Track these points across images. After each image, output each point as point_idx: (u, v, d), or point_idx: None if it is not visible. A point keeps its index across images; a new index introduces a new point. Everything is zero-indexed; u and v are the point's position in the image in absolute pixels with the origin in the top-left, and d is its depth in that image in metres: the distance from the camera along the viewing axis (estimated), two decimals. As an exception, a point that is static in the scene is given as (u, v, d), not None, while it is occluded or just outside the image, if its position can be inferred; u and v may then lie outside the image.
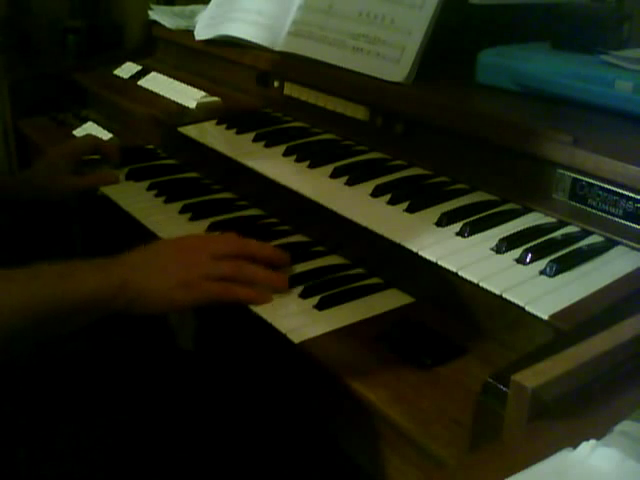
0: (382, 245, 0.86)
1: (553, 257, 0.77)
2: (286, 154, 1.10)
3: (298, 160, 1.07)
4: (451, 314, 0.84)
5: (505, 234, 0.82)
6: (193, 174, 1.29)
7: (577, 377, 0.54)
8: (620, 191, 0.81)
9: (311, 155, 1.07)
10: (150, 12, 1.77)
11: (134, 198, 1.18)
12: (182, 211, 1.11)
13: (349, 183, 0.98)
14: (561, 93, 1.01)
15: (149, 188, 1.21)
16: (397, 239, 0.84)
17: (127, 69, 1.69)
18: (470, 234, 0.83)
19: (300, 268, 0.94)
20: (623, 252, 0.80)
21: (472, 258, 0.79)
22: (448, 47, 1.17)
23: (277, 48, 1.33)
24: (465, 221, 0.86)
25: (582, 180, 0.84)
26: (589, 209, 0.84)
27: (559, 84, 1.01)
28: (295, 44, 1.28)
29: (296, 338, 0.79)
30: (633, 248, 0.79)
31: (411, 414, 0.68)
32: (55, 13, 2.52)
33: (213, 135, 1.24)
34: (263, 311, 0.84)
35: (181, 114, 1.36)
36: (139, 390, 1.07)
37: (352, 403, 0.73)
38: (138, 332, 1.18)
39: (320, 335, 0.80)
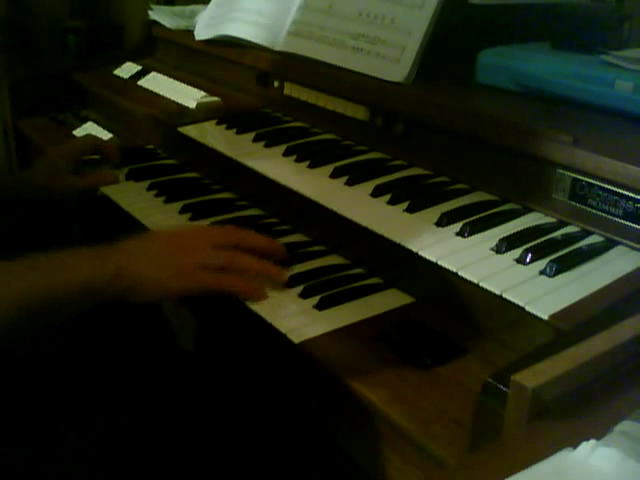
0: (382, 245, 0.86)
1: (553, 257, 0.77)
2: (286, 154, 1.10)
3: (298, 160, 1.07)
4: (451, 314, 0.84)
5: (505, 234, 0.82)
6: (193, 174, 1.29)
7: (577, 377, 0.54)
8: (620, 191, 0.81)
9: (311, 155, 1.07)
10: (150, 12, 1.77)
11: (134, 198, 1.18)
12: (182, 211, 1.11)
13: (349, 183, 0.98)
14: (561, 93, 1.01)
15: (149, 188, 1.21)
16: (397, 239, 0.84)
17: (127, 69, 1.69)
18: (470, 234, 0.83)
19: (300, 268, 0.94)
20: (623, 252, 0.80)
21: (472, 258, 0.79)
22: (448, 47, 1.17)
23: (277, 48, 1.33)
24: (465, 221, 0.86)
25: (582, 180, 0.85)
26: (589, 209, 0.84)
27: (559, 84, 1.01)
28: (295, 44, 1.28)
29: (296, 338, 0.79)
30: (633, 248, 0.79)
31: (411, 414, 0.68)
32: (55, 13, 2.52)
33: (213, 135, 1.24)
34: (263, 311, 0.84)
35: (181, 114, 1.36)
36: (139, 390, 1.07)
37: (352, 403, 0.73)
38: (138, 332, 1.18)
39: (320, 335, 0.80)
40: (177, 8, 1.84)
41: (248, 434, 1.05)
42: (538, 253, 0.78)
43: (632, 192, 0.80)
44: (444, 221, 0.86)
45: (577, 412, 0.53)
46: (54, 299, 0.80)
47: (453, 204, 0.91)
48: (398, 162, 1.05)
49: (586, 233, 0.83)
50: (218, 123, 1.27)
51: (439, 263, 0.79)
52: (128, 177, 1.26)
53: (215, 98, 1.39)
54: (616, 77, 0.95)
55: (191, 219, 1.09)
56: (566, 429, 0.51)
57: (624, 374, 0.57)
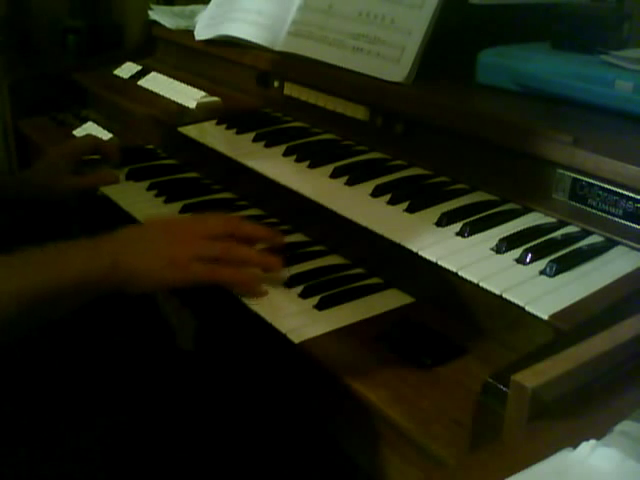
0: (382, 245, 0.86)
1: (553, 257, 0.77)
2: (286, 154, 1.10)
3: (298, 160, 1.07)
4: (451, 314, 0.84)
5: (505, 234, 0.82)
6: (193, 174, 1.29)
7: (577, 377, 0.54)
8: (620, 191, 0.81)
9: (311, 155, 1.07)
10: (150, 12, 1.77)
11: (134, 198, 1.18)
12: (182, 211, 1.11)
13: (349, 183, 0.98)
14: (561, 93, 1.01)
15: (149, 188, 1.21)
16: (397, 239, 0.84)
17: (127, 69, 1.69)
18: (470, 234, 0.83)
19: (300, 268, 0.94)
20: (623, 252, 0.80)
21: (472, 258, 0.79)
22: (448, 47, 1.17)
23: (277, 48, 1.33)
24: (465, 221, 0.86)
25: (582, 180, 0.84)
26: (589, 209, 0.84)
27: (559, 84, 1.01)
28: (295, 44, 1.28)
29: (296, 338, 0.79)
30: (633, 248, 0.79)
31: (411, 414, 0.68)
32: (55, 13, 2.52)
33: (213, 135, 1.24)
34: (263, 311, 0.84)
35: (181, 114, 1.36)
36: (139, 390, 1.07)
37: (352, 403, 0.73)
38: (138, 332, 1.18)
39: (320, 335, 0.80)
40: (177, 8, 1.84)
41: (248, 434, 1.05)
42: (538, 253, 0.78)
43: (632, 192, 0.80)
44: (444, 221, 0.86)
45: (577, 412, 0.53)
46: (53, 292, 0.80)
47: (453, 204, 0.91)
48: (398, 162, 1.05)
49: (586, 233, 0.83)
50: (218, 123, 1.27)
51: (439, 263, 0.79)
52: (128, 177, 1.26)
53: (215, 98, 1.39)
54: (616, 77, 0.95)
55: (191, 219, 1.09)
56: (566, 429, 0.51)
57: (624, 374, 0.57)
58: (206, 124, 1.28)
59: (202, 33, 1.51)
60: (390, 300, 0.88)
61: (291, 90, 1.29)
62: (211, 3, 1.54)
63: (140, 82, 1.59)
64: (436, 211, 0.88)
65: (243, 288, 0.87)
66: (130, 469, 0.94)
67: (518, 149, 0.91)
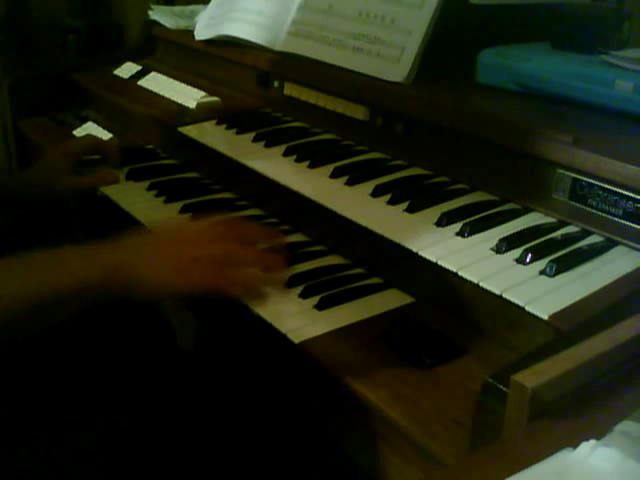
0: (382, 245, 0.86)
1: (553, 257, 0.77)
2: (286, 154, 1.10)
3: (298, 160, 1.07)
4: (451, 314, 0.84)
5: (505, 234, 0.82)
6: (193, 174, 1.29)
7: (577, 377, 0.54)
8: (620, 191, 0.81)
9: (311, 155, 1.07)
10: (150, 12, 1.77)
11: (134, 198, 1.18)
12: (182, 211, 1.11)
13: (349, 183, 0.98)
14: (561, 93, 1.01)
15: (149, 188, 1.21)
16: (397, 239, 0.84)
17: (127, 69, 1.69)
18: (470, 234, 0.83)
19: (300, 268, 0.93)
20: (623, 252, 0.80)
21: (472, 258, 0.79)
22: (448, 47, 1.17)
23: (277, 48, 1.33)
24: (465, 221, 0.86)
25: (582, 180, 0.84)
26: (589, 209, 0.84)
27: (559, 84, 1.01)
28: (295, 44, 1.28)
29: (296, 338, 0.79)
30: (633, 248, 0.79)
31: (411, 414, 0.68)
32: (55, 13, 2.52)
33: (213, 135, 1.24)
34: (263, 311, 0.84)
35: (181, 114, 1.36)
36: (139, 390, 1.07)
37: (352, 403, 0.73)
38: (138, 332, 1.18)
39: (320, 335, 0.80)
40: (177, 8, 1.84)
41: (248, 434, 1.05)
42: (538, 253, 0.78)
43: (632, 192, 0.80)
44: (444, 221, 0.86)
45: (577, 412, 0.53)
46: (54, 296, 0.80)
47: (453, 204, 0.91)
48: (398, 162, 1.05)
49: (586, 233, 0.83)
50: (218, 123, 1.27)
51: (439, 263, 0.79)
52: (128, 177, 1.26)
53: (215, 98, 1.39)
54: (616, 77, 0.95)
55: (191, 219, 1.09)
56: (566, 429, 0.51)
57: (624, 374, 0.57)
58: (206, 124, 1.28)
59: (202, 33, 1.51)
60: (390, 300, 0.88)
61: (291, 90, 1.29)
62: (211, 3, 1.54)
63: (140, 82, 1.59)
64: (436, 211, 0.88)
65: (247, 295, 0.86)
66: (130, 469, 0.94)
67: (518, 149, 0.91)
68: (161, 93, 1.49)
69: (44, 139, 1.56)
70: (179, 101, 1.42)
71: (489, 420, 0.58)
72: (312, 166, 1.05)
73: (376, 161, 1.07)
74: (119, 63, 1.73)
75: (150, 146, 1.42)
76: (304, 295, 0.87)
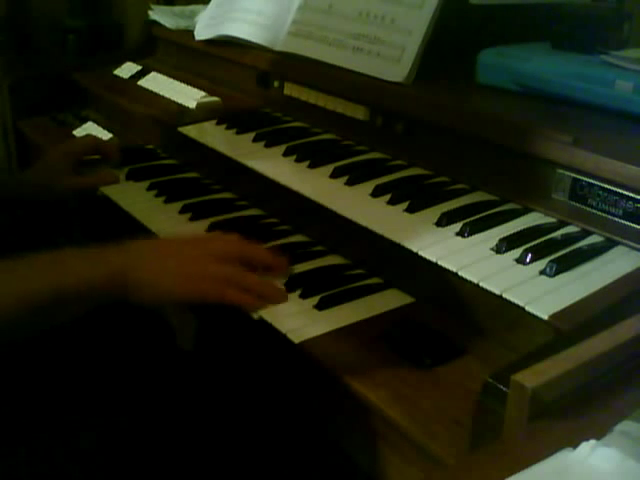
0: (382, 245, 0.86)
1: (553, 257, 0.77)
2: (286, 154, 1.10)
3: (298, 160, 1.07)
4: (451, 314, 0.84)
5: (505, 234, 0.82)
6: (193, 174, 1.29)
7: (577, 377, 0.54)
8: (620, 191, 0.81)
9: (311, 155, 1.07)
10: (150, 12, 1.77)
11: (134, 198, 1.18)
12: (182, 211, 1.11)
13: (349, 183, 0.98)
14: (561, 93, 1.01)
15: (149, 188, 1.21)
16: (397, 239, 0.84)
17: (127, 69, 1.69)
18: (470, 234, 0.83)
19: (300, 268, 0.94)
20: (623, 252, 0.80)
21: (472, 258, 0.79)
22: (448, 47, 1.17)
23: (277, 48, 1.33)
24: (465, 221, 0.86)
25: (582, 180, 0.84)
26: (589, 209, 0.84)
27: (559, 84, 1.01)
28: (295, 44, 1.28)
29: (296, 338, 0.79)
30: (633, 248, 0.79)
31: (411, 414, 0.68)
32: (55, 13, 2.52)
33: (213, 135, 1.24)
34: (263, 311, 0.84)
35: (181, 114, 1.36)
36: (139, 390, 1.07)
37: (352, 403, 0.73)
38: (138, 332, 1.18)
39: (320, 335, 0.80)
40: (177, 8, 1.84)
41: (248, 434, 1.05)
42: (538, 253, 0.78)
43: (632, 192, 0.80)
44: (444, 221, 0.86)
45: (577, 412, 0.53)
46: (56, 299, 0.80)
47: (453, 204, 0.91)
48: (398, 162, 1.05)
49: (586, 233, 0.83)
50: (218, 123, 1.27)
51: (439, 263, 0.79)
52: (128, 177, 1.26)
53: (215, 98, 1.39)
54: (616, 77, 0.95)
55: (191, 219, 1.09)
56: (566, 429, 0.51)
57: (624, 374, 0.57)
58: (206, 124, 1.28)
59: (202, 33, 1.51)
60: (390, 300, 0.88)
61: (291, 90, 1.29)
62: (211, 3, 1.54)
63: (140, 82, 1.59)
64: (436, 211, 0.88)
65: (247, 308, 0.86)
66: (130, 469, 0.94)
67: (518, 149, 0.91)
68: (161, 93, 1.49)
69: (44, 139, 1.56)
70: (179, 101, 1.42)
71: (489, 420, 0.58)
72: (312, 166, 1.05)
73: (376, 161, 1.07)
74: (119, 63, 1.73)
75: (150, 146, 1.42)
76: (304, 295, 0.87)
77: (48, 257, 0.82)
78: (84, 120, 1.59)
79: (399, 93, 1.10)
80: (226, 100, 1.39)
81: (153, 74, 1.60)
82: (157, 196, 1.18)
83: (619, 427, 0.50)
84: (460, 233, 0.84)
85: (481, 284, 0.74)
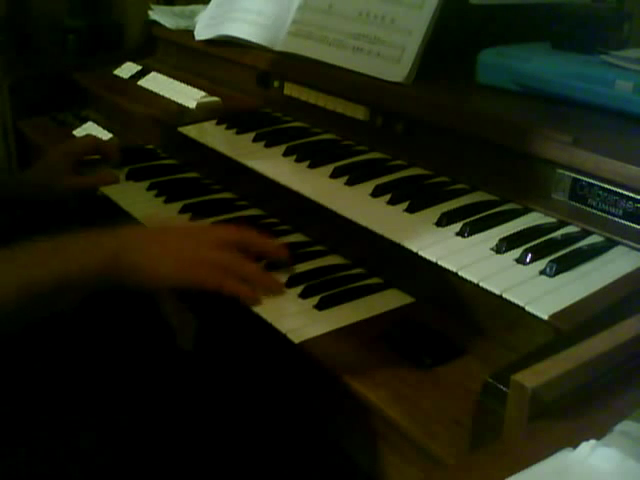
0: (382, 245, 0.86)
1: (553, 257, 0.77)
2: (286, 154, 1.10)
3: (298, 160, 1.07)
4: (451, 314, 0.84)
5: (505, 234, 0.82)
6: (193, 174, 1.29)
7: (577, 377, 0.54)
8: (620, 191, 0.81)
9: (311, 155, 1.07)
10: (150, 12, 1.77)
11: (134, 198, 1.18)
12: (182, 211, 1.11)
13: (349, 183, 0.98)
14: (561, 93, 1.01)
15: (149, 188, 1.21)
16: (397, 239, 0.84)
17: (127, 69, 1.69)
18: (470, 234, 0.83)
19: (300, 268, 0.93)
20: (623, 252, 0.80)
21: (472, 258, 0.79)
22: (448, 47, 1.17)
23: (277, 48, 1.33)
24: (465, 221, 0.86)
25: (582, 180, 0.85)
26: (589, 209, 0.84)
27: (559, 84, 1.01)
28: (295, 44, 1.28)
29: (296, 338, 0.79)
30: (633, 248, 0.79)
31: (411, 414, 0.68)
32: (55, 13, 2.52)
33: (213, 135, 1.24)
34: (263, 311, 0.84)
35: (181, 114, 1.36)
36: (139, 390, 1.07)
37: (352, 403, 0.73)
38: (138, 332, 1.18)
39: (320, 335, 0.80)
40: (177, 8, 1.84)
41: (248, 434, 1.05)
42: (538, 253, 0.78)
43: (632, 192, 0.80)
44: (444, 221, 0.86)
45: (577, 412, 0.53)
46: (56, 286, 0.80)
47: (453, 204, 0.91)
48: (398, 162, 1.05)
49: (586, 233, 0.83)
50: (218, 123, 1.27)
51: (439, 263, 0.79)
52: (128, 177, 1.26)
53: (215, 98, 1.39)
54: (616, 77, 0.95)
55: (191, 219, 1.09)
56: (566, 429, 0.51)
57: (624, 374, 0.57)
58: (206, 124, 1.28)
59: (202, 33, 1.51)
60: (390, 300, 0.88)
61: (291, 90, 1.29)
62: (211, 3, 1.54)
63: (140, 82, 1.59)
64: (436, 211, 0.88)
65: (245, 300, 0.86)
66: (130, 469, 0.94)
67: (518, 149, 0.91)
68: (161, 93, 1.49)
69: (44, 139, 1.56)
70: (179, 101, 1.42)
71: (489, 420, 0.58)
72: (312, 166, 1.05)
73: (376, 161, 1.07)
74: (119, 63, 1.73)
75: (150, 146, 1.42)
76: (304, 295, 0.87)
77: (46, 245, 0.83)
78: (84, 120, 1.59)
79: (399, 93, 1.10)
80: (226, 100, 1.39)
81: (153, 74, 1.60)
82: (157, 196, 1.18)
83: (619, 427, 0.50)
84: (460, 233, 0.84)
85: (481, 284, 0.74)
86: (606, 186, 0.82)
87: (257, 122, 1.24)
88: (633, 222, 0.80)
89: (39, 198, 1.29)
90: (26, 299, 0.78)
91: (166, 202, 1.15)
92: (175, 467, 0.98)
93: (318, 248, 1.00)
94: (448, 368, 0.75)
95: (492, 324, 0.80)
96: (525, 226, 0.85)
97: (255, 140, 1.16)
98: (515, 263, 0.78)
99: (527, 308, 0.70)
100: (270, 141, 1.14)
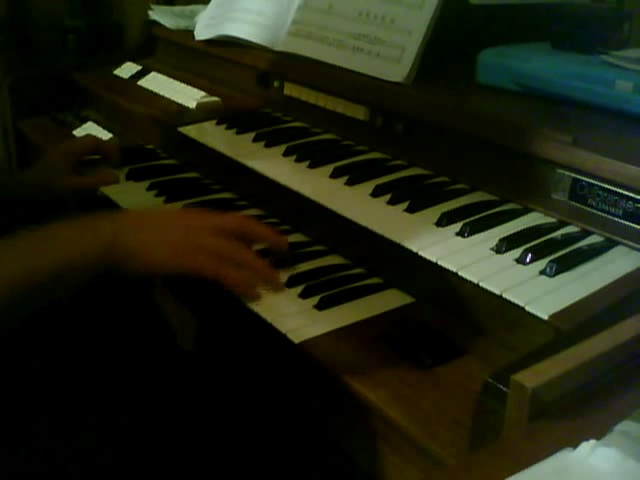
0: (382, 245, 0.86)
1: (553, 257, 0.77)
2: (286, 154, 1.10)
3: (298, 160, 1.07)
4: (451, 314, 0.84)
5: (505, 234, 0.82)
6: (193, 174, 1.29)
7: (577, 377, 0.54)
8: (620, 191, 0.81)
9: (311, 155, 1.07)
10: (150, 12, 1.77)
11: (134, 198, 1.18)
12: (182, 211, 1.11)
13: (349, 183, 0.98)
14: (561, 93, 1.01)
15: (149, 188, 1.21)
16: (397, 239, 0.84)
17: (127, 69, 1.69)
18: (470, 234, 0.83)
19: (300, 268, 0.94)
20: (623, 252, 0.80)
21: (472, 258, 0.79)
22: (448, 47, 1.17)
23: (277, 48, 1.33)
24: (465, 221, 0.86)
25: (582, 180, 0.85)
26: (589, 209, 0.84)
27: (559, 84, 1.01)
28: (295, 44, 1.28)
29: (296, 338, 0.79)
30: (633, 248, 0.79)
31: (411, 414, 0.68)
32: (55, 13, 2.52)
33: (213, 135, 1.24)
34: (263, 311, 0.84)
35: (181, 114, 1.36)
36: (139, 390, 1.07)
37: (352, 403, 0.73)
38: (138, 332, 1.18)
39: (320, 335, 0.80)
40: (177, 8, 1.84)
41: (248, 434, 1.05)
42: (538, 253, 0.78)
43: (632, 192, 0.80)
44: (444, 221, 0.86)
45: (577, 412, 0.53)
46: (55, 275, 0.80)
47: (453, 204, 0.91)
48: (398, 162, 1.05)
49: (586, 233, 0.83)
50: (218, 123, 1.27)
51: (439, 263, 0.79)
52: (128, 177, 1.26)
53: (215, 98, 1.39)
54: (616, 77, 0.95)
55: (191, 219, 1.09)
56: (566, 429, 0.51)
57: (624, 374, 0.57)
58: (206, 124, 1.28)
59: (202, 33, 1.51)
60: (390, 300, 0.88)
61: (291, 90, 1.29)
62: (211, 3, 1.54)
63: (140, 82, 1.59)
64: (436, 211, 0.88)
65: (242, 290, 0.86)
66: (130, 469, 0.94)
67: (518, 149, 0.91)
68: (161, 93, 1.49)
69: (44, 139, 1.56)
70: (179, 101, 1.42)
71: (489, 420, 0.58)
72: (312, 166, 1.05)
73: (376, 161, 1.07)
74: (119, 63, 1.73)
75: (150, 146, 1.42)
76: (304, 295, 0.87)
77: (42, 233, 0.82)
78: (84, 120, 1.60)
79: (399, 93, 1.10)
80: (226, 100, 1.39)
81: (153, 74, 1.60)
82: (157, 196, 1.18)
83: (619, 427, 0.50)
84: (460, 233, 0.84)
85: (481, 284, 0.74)
86: (606, 186, 0.82)
87: (257, 122, 1.24)
88: (633, 222, 0.80)
89: (39, 198, 1.29)
90: (27, 289, 0.78)
91: (166, 202, 1.15)
92: (175, 467, 0.98)
93: (318, 248, 1.00)
94: (448, 368, 0.75)
95: (492, 324, 0.80)
96: (525, 226, 0.85)
97: (255, 140, 1.16)
98: (515, 263, 0.78)
99: (527, 308, 0.70)
100: (270, 141, 1.14)
